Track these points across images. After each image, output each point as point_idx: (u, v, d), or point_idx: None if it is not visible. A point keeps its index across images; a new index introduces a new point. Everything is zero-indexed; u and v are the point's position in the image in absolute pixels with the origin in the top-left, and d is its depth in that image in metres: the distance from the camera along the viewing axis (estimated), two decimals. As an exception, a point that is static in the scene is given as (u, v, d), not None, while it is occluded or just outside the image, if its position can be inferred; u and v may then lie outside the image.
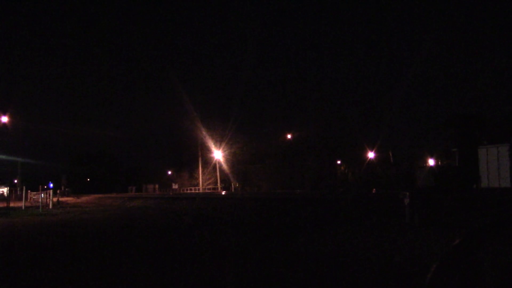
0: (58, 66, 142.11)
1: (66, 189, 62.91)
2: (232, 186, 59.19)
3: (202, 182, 63.33)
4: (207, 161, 63.33)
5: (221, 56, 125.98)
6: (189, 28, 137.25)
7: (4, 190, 32.78)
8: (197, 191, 60.02)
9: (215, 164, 62.00)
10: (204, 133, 60.09)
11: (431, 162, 44.26)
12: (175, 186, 67.32)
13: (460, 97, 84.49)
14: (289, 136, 57.98)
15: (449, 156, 41.71)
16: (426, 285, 5.96)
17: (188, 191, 63.50)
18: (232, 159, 62.25)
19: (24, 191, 35.31)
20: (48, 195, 33.35)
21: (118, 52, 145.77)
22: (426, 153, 47.48)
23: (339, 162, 58.72)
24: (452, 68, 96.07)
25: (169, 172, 79.61)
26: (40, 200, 31.41)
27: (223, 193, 45.09)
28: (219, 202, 25.45)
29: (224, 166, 61.56)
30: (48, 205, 31.52)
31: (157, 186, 74.28)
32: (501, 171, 24.13)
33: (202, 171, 63.56)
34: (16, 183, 68.35)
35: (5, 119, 34.96)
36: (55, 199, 34.63)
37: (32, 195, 44.88)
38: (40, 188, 33.45)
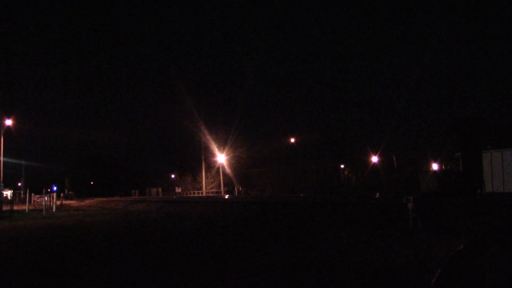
0: (62, 70, 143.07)
1: (70, 192, 63.35)
2: (236, 189, 59.15)
3: (205, 186, 63.33)
4: (211, 164, 63.34)
5: (225, 60, 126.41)
6: (193, 32, 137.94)
7: (8, 193, 32.83)
8: (200, 195, 60.03)
9: (218, 168, 61.98)
10: (207, 137, 60.19)
11: (434, 166, 44.05)
12: (178, 190, 67.41)
13: (464, 101, 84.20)
14: (292, 140, 57.93)
15: (452, 161, 41.49)
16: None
17: (191, 195, 63.54)
18: (235, 162, 62.23)
19: (27, 194, 35.46)
20: (51, 198, 33.42)
21: (123, 56, 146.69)
22: (430, 158, 47.26)
23: (342, 166, 58.61)
24: (456, 72, 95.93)
25: (173, 176, 79.75)
26: (43, 203, 31.53)
27: (226, 197, 45.05)
28: (222, 206, 25.46)
29: (228, 170, 61.51)
30: (52, 208, 31.59)
31: (160, 189, 74.50)
32: (505, 176, 24.00)
33: (206, 175, 63.55)
34: (20, 186, 68.74)
35: (9, 122, 35.10)
36: (58, 202, 34.72)
37: (35, 198, 45.06)
38: (44, 191, 33.56)
